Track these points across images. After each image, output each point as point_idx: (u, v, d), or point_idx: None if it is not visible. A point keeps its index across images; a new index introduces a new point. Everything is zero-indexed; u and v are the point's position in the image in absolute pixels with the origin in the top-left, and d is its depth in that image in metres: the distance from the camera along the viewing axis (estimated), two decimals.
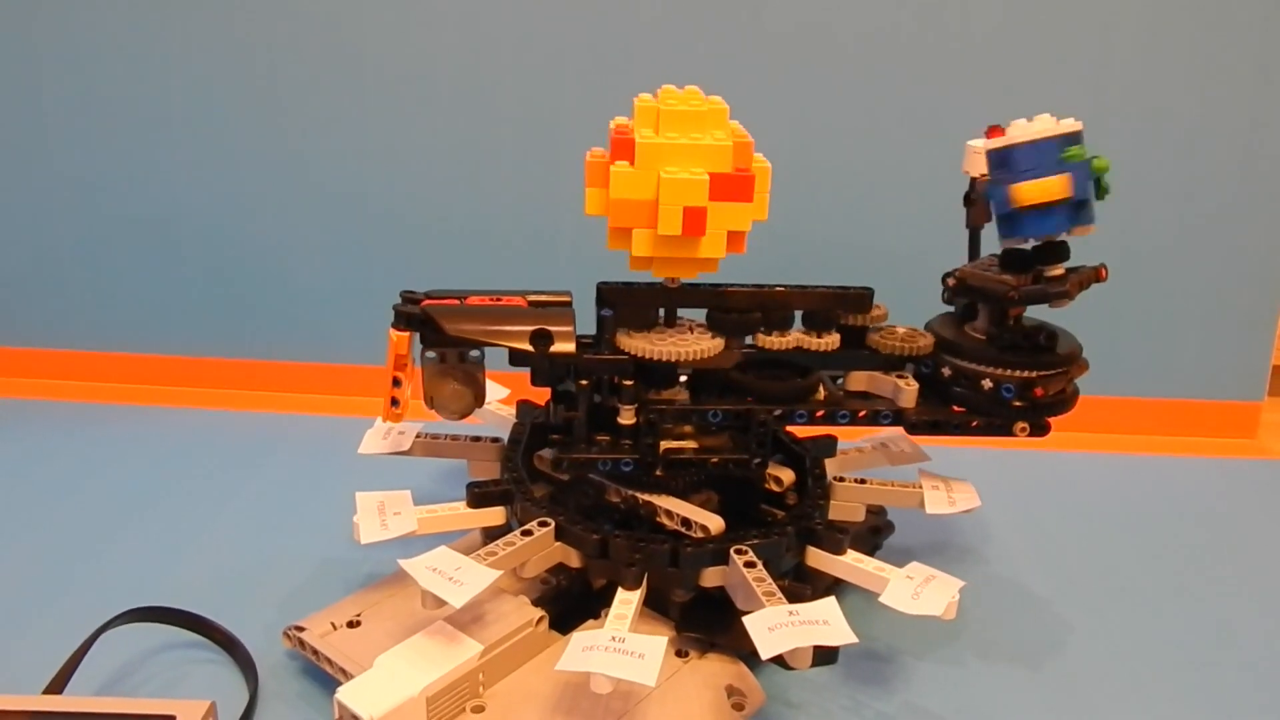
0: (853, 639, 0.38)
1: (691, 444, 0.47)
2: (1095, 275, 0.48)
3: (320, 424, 0.73)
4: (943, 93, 0.70)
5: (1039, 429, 0.48)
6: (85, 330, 0.79)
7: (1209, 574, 0.57)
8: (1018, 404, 0.47)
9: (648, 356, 0.45)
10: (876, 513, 0.56)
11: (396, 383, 0.46)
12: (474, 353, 0.47)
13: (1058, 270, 0.47)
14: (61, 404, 0.76)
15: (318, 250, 0.76)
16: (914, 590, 0.42)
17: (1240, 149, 0.71)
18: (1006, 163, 0.44)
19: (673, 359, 0.45)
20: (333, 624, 0.46)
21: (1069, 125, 0.44)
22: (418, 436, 0.55)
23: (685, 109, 0.43)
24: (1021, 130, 0.44)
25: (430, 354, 0.47)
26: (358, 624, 0.46)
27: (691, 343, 0.45)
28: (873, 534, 0.55)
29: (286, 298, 0.78)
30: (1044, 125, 0.44)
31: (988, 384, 0.47)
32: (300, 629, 0.45)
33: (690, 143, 0.42)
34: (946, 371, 0.48)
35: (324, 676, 0.44)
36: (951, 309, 0.52)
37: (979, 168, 0.46)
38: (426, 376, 0.47)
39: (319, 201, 0.75)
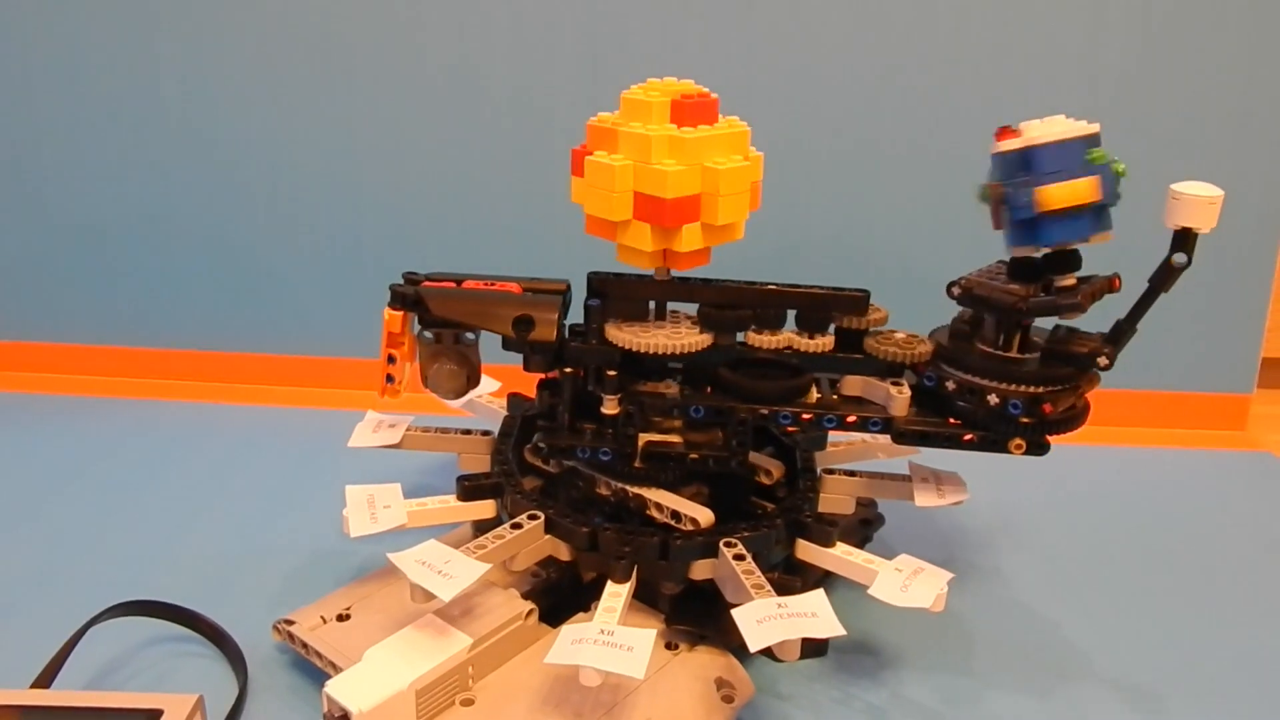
0: (841, 631, 0.38)
1: (675, 438, 0.47)
2: (1108, 285, 0.45)
3: (310, 417, 0.73)
4: (957, 91, 0.70)
5: (1038, 447, 0.45)
6: (75, 324, 0.79)
7: (1198, 566, 0.58)
8: (1025, 420, 0.44)
9: (631, 348, 0.45)
10: (866, 505, 0.56)
11: (391, 360, 0.47)
12: (469, 335, 0.48)
13: (1069, 280, 0.44)
14: (50, 397, 0.75)
15: (309, 244, 0.76)
16: (903, 582, 0.42)
17: (1230, 142, 0.71)
18: (1029, 164, 0.41)
19: (656, 351, 0.45)
20: (322, 617, 0.46)
21: (1087, 127, 0.41)
22: (408, 430, 0.55)
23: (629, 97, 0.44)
24: (1042, 130, 0.41)
25: (426, 334, 0.48)
26: (347, 617, 0.46)
27: (678, 336, 0.45)
28: (862, 526, 0.55)
29: (277, 291, 0.77)
30: (1063, 126, 0.41)
31: (993, 399, 0.44)
32: (290, 622, 0.45)
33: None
34: (950, 385, 0.45)
35: (313, 670, 0.44)
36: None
37: (1196, 220, 0.40)
38: (421, 355, 0.48)
39: (311, 196, 0.75)
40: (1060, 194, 0.41)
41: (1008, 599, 0.53)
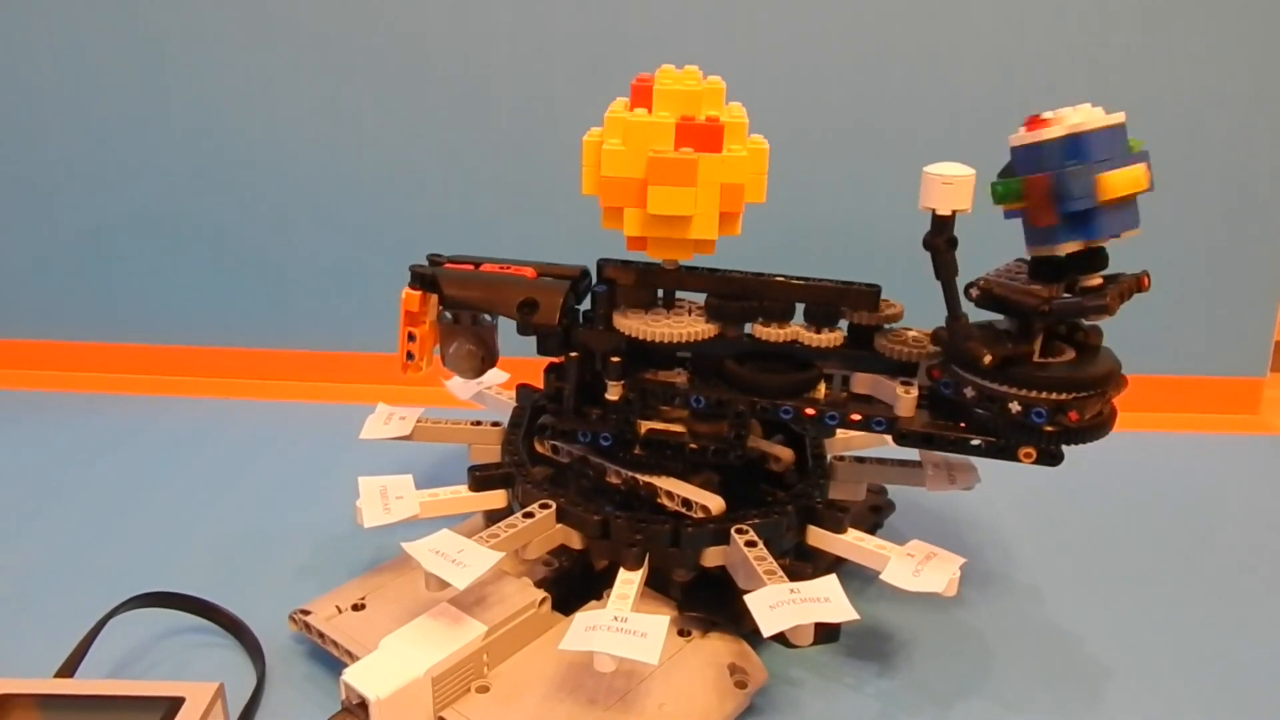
0: (854, 616, 0.39)
1: (679, 427, 0.47)
2: (1137, 284, 0.41)
3: (322, 411, 0.73)
4: (970, 80, 0.69)
5: (1050, 457, 0.42)
6: (88, 322, 0.80)
7: (1211, 551, 0.57)
8: (1049, 429, 0.41)
9: (634, 335, 0.45)
10: (877, 491, 0.57)
11: (411, 338, 0.48)
12: (486, 317, 0.49)
13: (1095, 279, 0.41)
14: (67, 395, 0.76)
15: (318, 239, 0.76)
16: (915, 568, 0.42)
17: (1242, 125, 0.70)
18: (1081, 151, 0.38)
19: (658, 339, 0.45)
20: (338, 607, 0.46)
21: (1116, 117, 0.38)
22: (419, 421, 0.55)
23: (680, 89, 0.42)
24: (1085, 116, 0.38)
25: (446, 314, 0.49)
26: (362, 607, 0.46)
27: (682, 325, 0.45)
28: (873, 512, 0.55)
29: (286, 286, 0.78)
30: (1100, 113, 0.38)
31: (1015, 407, 0.41)
32: (306, 612, 0.46)
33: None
34: (969, 392, 0.42)
35: (330, 659, 0.45)
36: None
37: (951, 202, 0.39)
38: (441, 335, 0.50)
39: (320, 190, 0.75)
40: (1120, 181, 0.38)
41: (1019, 584, 0.53)
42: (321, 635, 0.44)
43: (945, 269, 0.41)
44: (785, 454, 0.51)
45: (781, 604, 0.39)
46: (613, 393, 0.46)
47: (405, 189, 0.75)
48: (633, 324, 0.45)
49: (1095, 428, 0.42)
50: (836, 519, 0.46)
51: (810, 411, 0.45)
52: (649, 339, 0.45)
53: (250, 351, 0.79)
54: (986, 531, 0.59)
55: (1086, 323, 0.43)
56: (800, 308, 0.46)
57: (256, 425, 0.70)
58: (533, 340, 0.49)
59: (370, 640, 0.42)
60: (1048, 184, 0.38)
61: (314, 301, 0.78)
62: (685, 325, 0.45)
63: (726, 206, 0.42)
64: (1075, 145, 0.38)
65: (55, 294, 0.79)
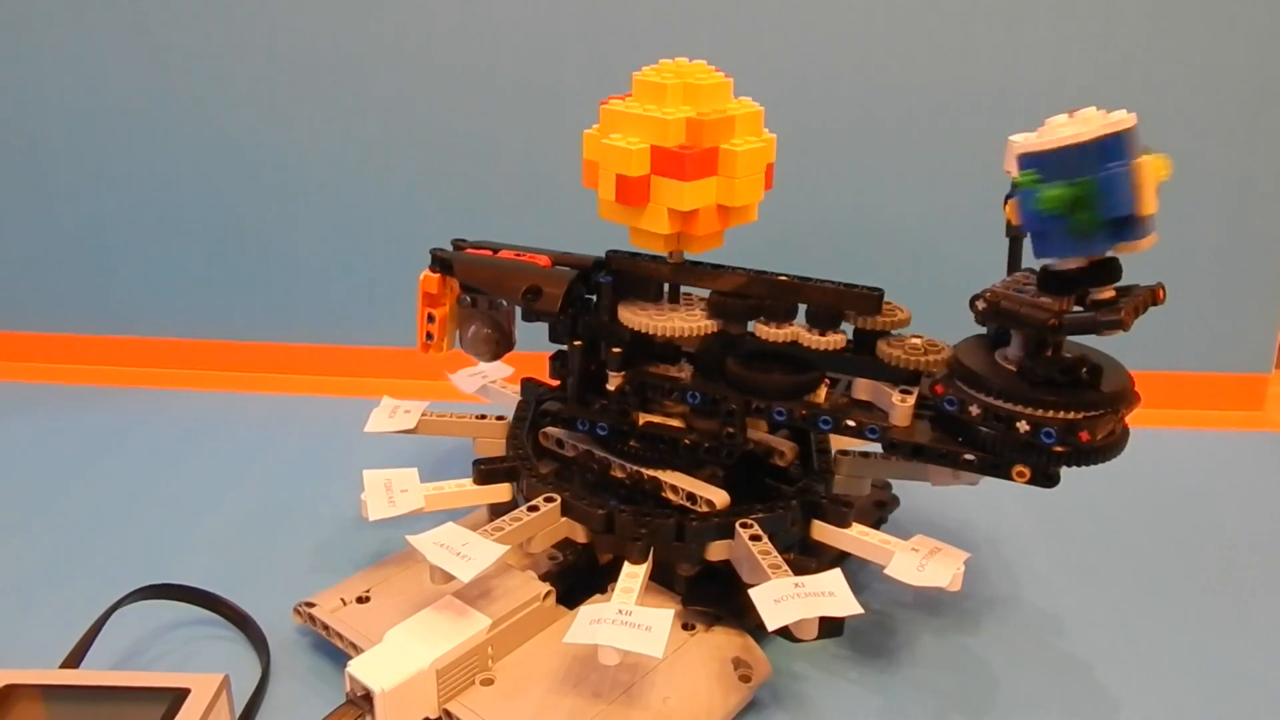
0: (858, 610, 0.39)
1: (677, 421, 0.47)
2: (1152, 297, 0.40)
3: (327, 405, 0.73)
4: (979, 74, 0.69)
5: (1046, 478, 0.40)
6: (91, 315, 0.80)
7: (1215, 548, 0.57)
8: (1059, 450, 0.39)
9: (634, 328, 0.45)
10: (880, 487, 0.56)
11: (430, 319, 0.50)
12: (502, 301, 0.50)
13: (1107, 293, 0.39)
14: (73, 388, 0.76)
15: (324, 232, 0.76)
16: (919, 562, 0.42)
17: (1246, 121, 0.70)
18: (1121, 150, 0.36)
19: (658, 333, 0.45)
20: (342, 600, 0.46)
21: (1094, 129, 0.35)
22: (424, 415, 0.55)
23: (655, 80, 0.43)
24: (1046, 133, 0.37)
25: (465, 298, 0.51)
26: (367, 599, 0.46)
27: (684, 320, 0.45)
28: (877, 507, 0.55)
29: (293, 280, 0.78)
30: (1066, 127, 0.36)
31: (1024, 426, 0.39)
32: (310, 605, 0.46)
33: (642, 113, 0.42)
34: (974, 410, 0.40)
35: (335, 651, 0.45)
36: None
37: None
38: (459, 317, 0.51)
39: (325, 183, 0.75)
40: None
41: (1024, 580, 0.53)
42: (326, 627, 0.44)
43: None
44: (789, 448, 0.51)
45: (786, 598, 0.39)
46: (613, 383, 0.47)
47: (411, 183, 0.74)
48: (635, 317, 0.45)
49: (1107, 448, 0.40)
50: (841, 513, 0.45)
51: (803, 413, 0.44)
52: (649, 332, 0.45)
53: (255, 345, 0.79)
54: (989, 526, 0.59)
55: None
56: (803, 309, 0.46)
57: (261, 419, 0.71)
58: (538, 334, 0.49)
59: (375, 633, 0.42)
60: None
61: (319, 295, 0.78)
62: (687, 320, 0.45)
63: (589, 183, 0.44)
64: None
65: (58, 287, 0.79)
